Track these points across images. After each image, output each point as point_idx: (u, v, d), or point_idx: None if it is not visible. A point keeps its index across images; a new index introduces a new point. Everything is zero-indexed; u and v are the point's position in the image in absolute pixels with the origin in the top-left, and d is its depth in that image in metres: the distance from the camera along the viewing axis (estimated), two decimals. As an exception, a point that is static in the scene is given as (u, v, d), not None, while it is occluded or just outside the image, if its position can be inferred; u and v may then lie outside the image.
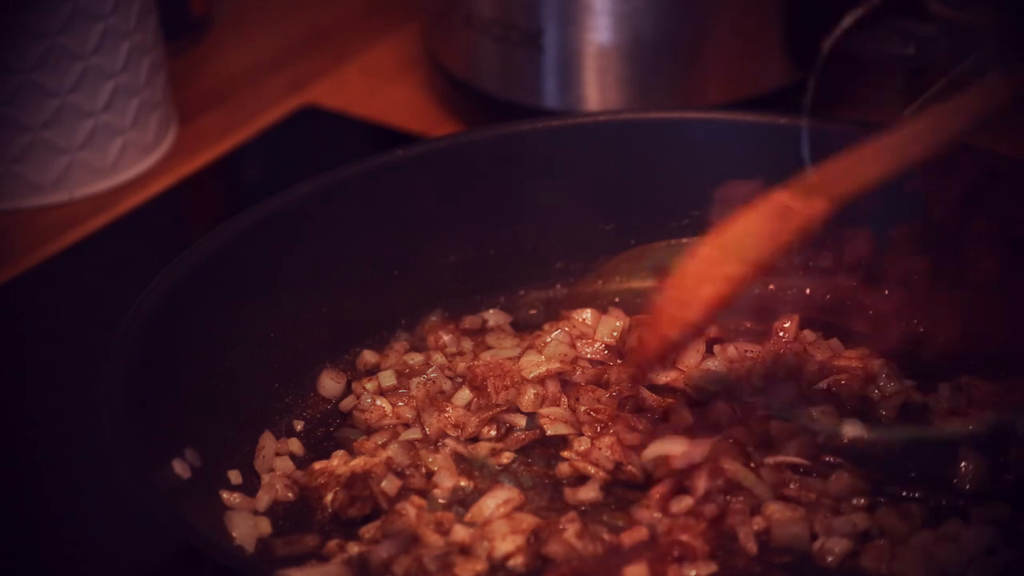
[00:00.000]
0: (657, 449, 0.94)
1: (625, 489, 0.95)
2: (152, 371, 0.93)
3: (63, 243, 1.25)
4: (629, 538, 0.91)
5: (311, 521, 0.95)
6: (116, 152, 1.30)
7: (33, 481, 1.04)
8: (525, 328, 1.08)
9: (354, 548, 0.92)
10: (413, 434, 1.00)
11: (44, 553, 0.99)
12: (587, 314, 1.05)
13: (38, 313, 1.19)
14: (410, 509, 0.94)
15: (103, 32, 1.26)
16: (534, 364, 1.02)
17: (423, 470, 0.97)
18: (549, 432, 0.99)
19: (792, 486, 0.94)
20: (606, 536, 0.92)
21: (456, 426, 1.00)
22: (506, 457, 0.98)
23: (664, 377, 1.01)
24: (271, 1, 1.57)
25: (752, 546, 0.91)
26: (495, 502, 0.93)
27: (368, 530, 0.93)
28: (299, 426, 1.02)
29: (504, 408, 1.00)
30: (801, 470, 0.94)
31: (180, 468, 0.92)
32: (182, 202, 1.32)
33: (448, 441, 0.98)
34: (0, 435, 1.08)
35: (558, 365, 1.02)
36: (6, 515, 1.01)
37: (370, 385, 1.03)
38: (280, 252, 1.04)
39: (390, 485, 0.95)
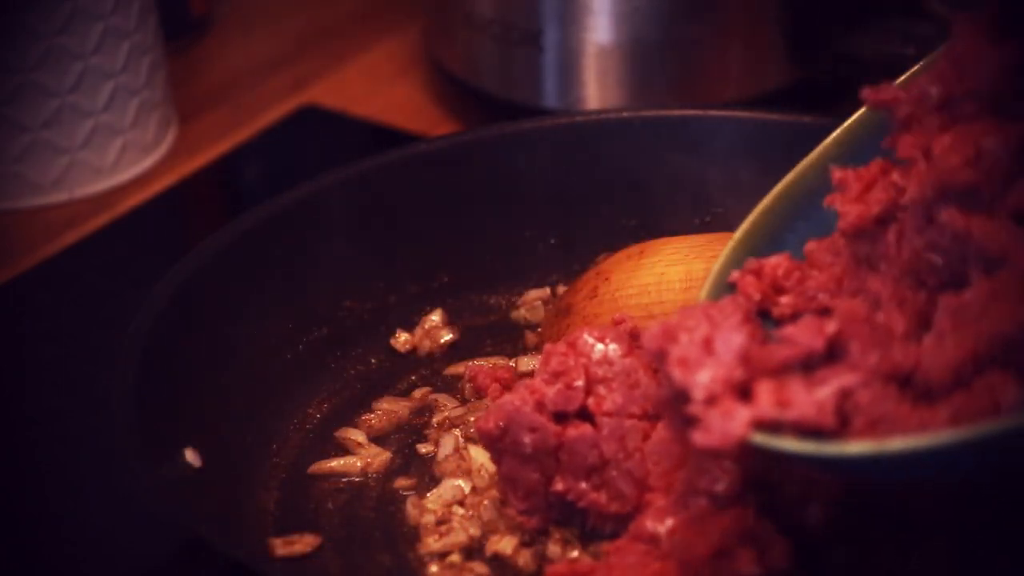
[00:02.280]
0: None
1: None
2: (160, 367, 0.93)
3: (63, 243, 1.25)
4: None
5: (311, 521, 0.95)
6: (116, 152, 1.30)
7: (33, 481, 1.04)
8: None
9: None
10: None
11: (44, 553, 0.98)
12: None
13: (38, 313, 1.19)
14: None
15: (103, 32, 1.26)
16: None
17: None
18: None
19: None
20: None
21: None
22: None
23: None
24: (271, 1, 1.57)
25: None
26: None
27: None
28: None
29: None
30: None
31: (184, 464, 0.92)
32: (182, 202, 1.32)
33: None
34: (0, 435, 1.08)
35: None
36: (6, 515, 1.01)
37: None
38: (283, 253, 1.04)
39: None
